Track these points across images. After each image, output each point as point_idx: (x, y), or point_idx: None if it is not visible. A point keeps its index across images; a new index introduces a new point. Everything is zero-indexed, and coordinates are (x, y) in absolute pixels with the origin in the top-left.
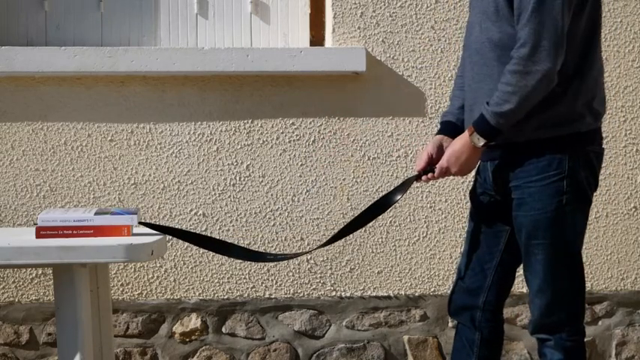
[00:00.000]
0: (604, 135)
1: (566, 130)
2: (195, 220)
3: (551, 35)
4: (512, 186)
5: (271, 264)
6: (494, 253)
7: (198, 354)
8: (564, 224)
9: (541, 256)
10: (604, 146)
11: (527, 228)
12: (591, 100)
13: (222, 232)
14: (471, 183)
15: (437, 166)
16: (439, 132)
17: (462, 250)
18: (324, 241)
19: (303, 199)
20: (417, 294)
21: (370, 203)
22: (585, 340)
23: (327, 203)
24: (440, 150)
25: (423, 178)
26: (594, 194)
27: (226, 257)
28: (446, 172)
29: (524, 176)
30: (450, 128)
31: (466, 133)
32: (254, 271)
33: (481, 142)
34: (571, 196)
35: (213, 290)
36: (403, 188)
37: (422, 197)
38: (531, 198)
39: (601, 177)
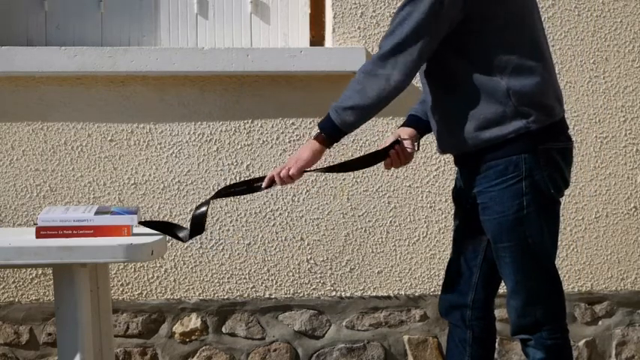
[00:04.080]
0: (604, 135)
1: (513, 132)
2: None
3: (408, 50)
4: (476, 192)
5: (272, 263)
6: (478, 251)
7: (198, 354)
8: (528, 225)
9: (509, 259)
10: (605, 145)
11: (493, 232)
12: (535, 96)
13: (222, 232)
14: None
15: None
16: (403, 125)
17: None
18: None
19: (303, 199)
20: (417, 294)
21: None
22: (585, 340)
23: (327, 203)
24: (402, 133)
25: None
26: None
27: (226, 257)
28: (281, 172)
29: (486, 181)
30: (412, 120)
31: (312, 137)
32: (254, 271)
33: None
34: (531, 197)
35: (213, 290)
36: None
37: (422, 197)
38: (493, 202)
39: (601, 177)
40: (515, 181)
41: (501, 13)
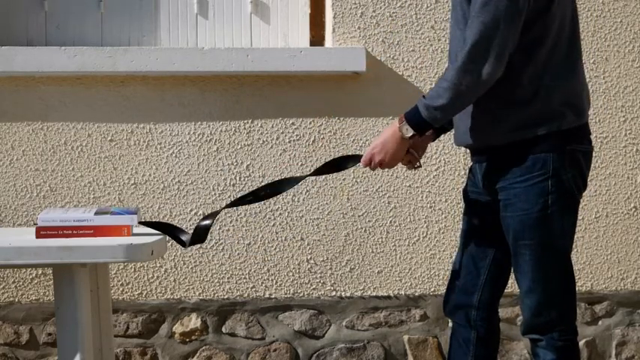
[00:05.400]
0: (604, 135)
1: (546, 129)
2: (195, 220)
3: (493, 38)
4: (499, 187)
5: (272, 263)
6: (487, 251)
7: (198, 354)
8: (551, 224)
9: (529, 257)
10: (605, 145)
11: (515, 229)
12: (572, 97)
13: (223, 232)
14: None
15: (364, 154)
16: None
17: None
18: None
19: (303, 199)
20: (417, 294)
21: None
22: (585, 340)
23: (327, 203)
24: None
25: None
26: (584, 193)
27: (226, 257)
28: (371, 161)
29: (510, 177)
30: None
31: (395, 123)
32: (254, 271)
33: (410, 132)
34: (556, 196)
35: (213, 290)
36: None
37: (422, 197)
38: (517, 199)
39: (601, 177)
40: (541, 179)
41: (554, 11)
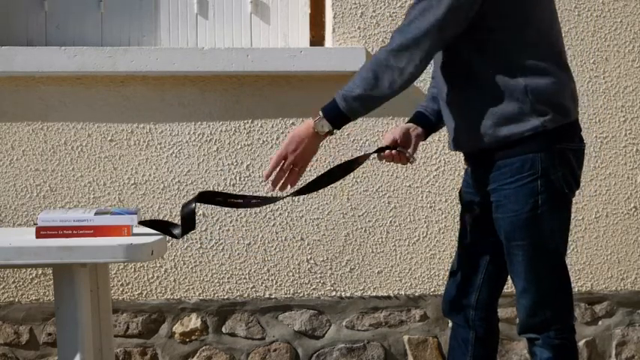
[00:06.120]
0: (604, 135)
1: (532, 130)
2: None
3: (422, 46)
4: (490, 189)
5: (272, 263)
6: (485, 251)
7: (198, 354)
8: (541, 224)
9: (521, 257)
10: (605, 145)
11: (506, 230)
12: (552, 96)
13: (222, 232)
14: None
15: (275, 155)
16: (409, 120)
17: None
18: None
19: (303, 199)
20: (417, 294)
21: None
22: (585, 340)
23: (327, 203)
24: (405, 136)
25: (385, 153)
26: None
27: (226, 257)
28: (285, 157)
29: (500, 179)
30: (419, 116)
31: (310, 120)
32: (254, 271)
33: (326, 128)
34: (546, 196)
35: (213, 290)
36: (358, 162)
37: (422, 197)
38: (507, 200)
39: (601, 177)
40: (530, 180)
41: (520, 12)
